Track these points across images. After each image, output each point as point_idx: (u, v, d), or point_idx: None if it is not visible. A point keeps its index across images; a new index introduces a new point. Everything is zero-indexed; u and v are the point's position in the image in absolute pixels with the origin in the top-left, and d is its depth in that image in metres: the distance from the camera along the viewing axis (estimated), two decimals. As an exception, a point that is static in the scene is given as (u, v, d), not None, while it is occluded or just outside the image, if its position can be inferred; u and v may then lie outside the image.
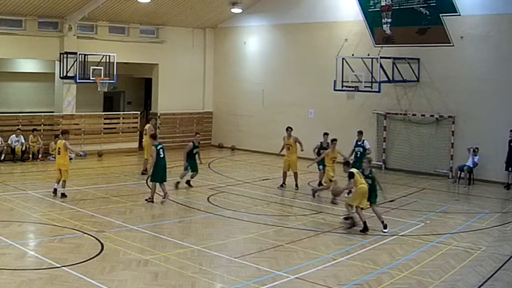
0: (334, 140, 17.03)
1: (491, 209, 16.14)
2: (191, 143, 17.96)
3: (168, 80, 27.20)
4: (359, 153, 18.07)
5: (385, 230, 13.19)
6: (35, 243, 12.00)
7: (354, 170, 13.49)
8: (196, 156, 17.91)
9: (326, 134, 18.10)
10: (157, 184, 15.67)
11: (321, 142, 18.03)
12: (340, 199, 15.67)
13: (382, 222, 13.29)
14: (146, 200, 15.70)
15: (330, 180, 16.42)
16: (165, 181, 15.80)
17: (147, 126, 20.11)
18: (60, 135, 17.59)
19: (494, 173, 19.67)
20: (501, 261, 11.23)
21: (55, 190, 15.97)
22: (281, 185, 18.41)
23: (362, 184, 13.21)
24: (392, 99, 22.51)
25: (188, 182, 18.06)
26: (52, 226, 12.87)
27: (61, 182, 15.91)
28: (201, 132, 27.43)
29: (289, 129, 18.51)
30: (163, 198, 15.64)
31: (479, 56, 20.47)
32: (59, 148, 16.05)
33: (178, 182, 17.71)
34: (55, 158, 17.14)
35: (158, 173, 15.61)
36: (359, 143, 18.43)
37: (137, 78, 29.29)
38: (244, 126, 27.57)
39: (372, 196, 13.46)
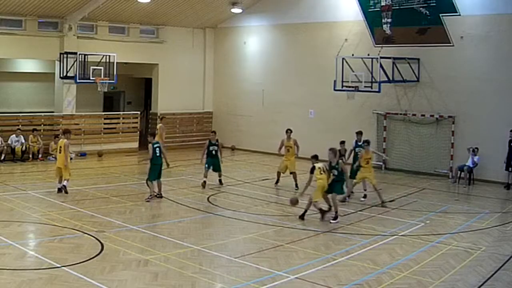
0: (366, 141, 17.06)
1: (491, 209, 16.13)
2: (207, 141, 18.33)
3: (168, 80, 27.20)
4: (359, 153, 17.98)
5: (333, 221, 13.73)
6: (35, 243, 11.99)
7: (317, 164, 14.08)
8: (217, 154, 18.16)
9: (342, 142, 17.95)
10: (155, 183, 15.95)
11: (339, 150, 17.71)
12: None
13: (336, 212, 13.91)
14: (146, 200, 15.75)
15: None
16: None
17: (158, 126, 20.25)
18: (62, 134, 17.67)
19: (494, 173, 19.65)
20: (501, 261, 11.22)
21: (63, 187, 16.05)
22: (276, 183, 18.64)
23: (320, 180, 13.87)
24: (392, 99, 22.50)
25: (219, 181, 18.41)
26: (52, 226, 12.87)
27: (63, 180, 16.06)
28: (201, 132, 27.79)
29: (288, 131, 18.62)
30: (157, 194, 15.96)
31: (479, 56, 20.46)
32: (60, 147, 16.16)
33: (204, 182, 17.85)
34: (55, 158, 17.24)
35: (156, 172, 15.90)
36: (359, 143, 18.34)
37: (137, 78, 29.30)
38: (244, 126, 27.56)
39: (336, 186, 14.08)
